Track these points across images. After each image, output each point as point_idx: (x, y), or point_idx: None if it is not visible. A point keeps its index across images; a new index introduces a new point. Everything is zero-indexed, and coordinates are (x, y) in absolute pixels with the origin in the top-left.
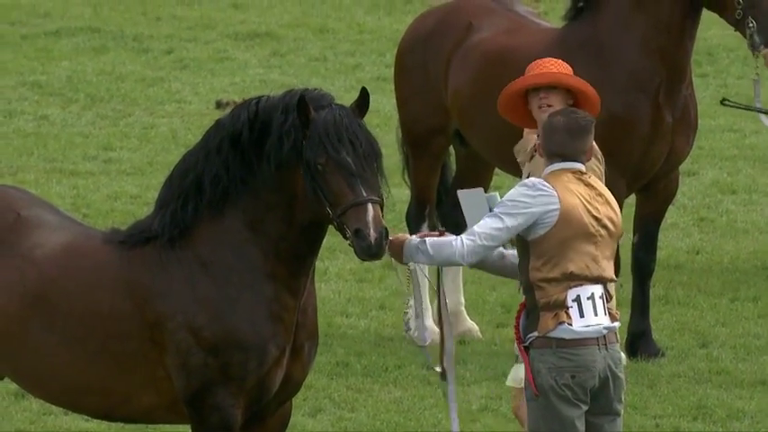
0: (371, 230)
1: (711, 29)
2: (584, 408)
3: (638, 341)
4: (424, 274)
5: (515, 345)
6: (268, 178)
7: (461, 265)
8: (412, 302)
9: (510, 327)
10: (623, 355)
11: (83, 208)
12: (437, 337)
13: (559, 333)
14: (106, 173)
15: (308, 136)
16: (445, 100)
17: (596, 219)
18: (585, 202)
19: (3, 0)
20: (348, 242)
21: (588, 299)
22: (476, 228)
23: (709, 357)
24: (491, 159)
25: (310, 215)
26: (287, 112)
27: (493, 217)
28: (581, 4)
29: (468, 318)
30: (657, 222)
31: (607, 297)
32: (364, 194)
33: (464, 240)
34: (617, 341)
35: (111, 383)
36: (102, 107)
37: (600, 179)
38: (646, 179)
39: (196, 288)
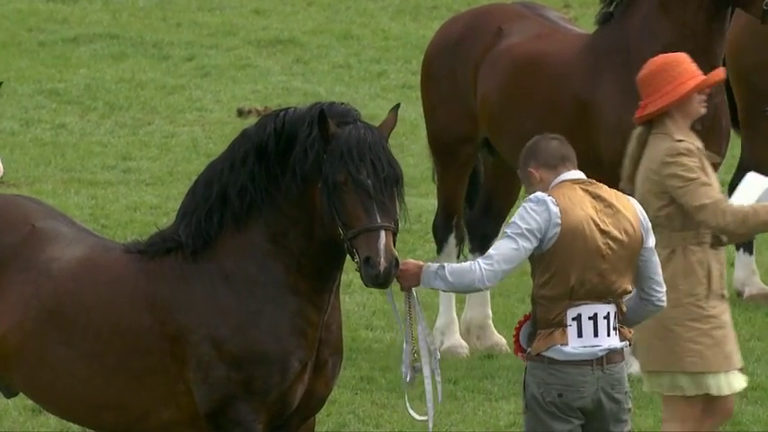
0: (382, 259)
1: None
2: (578, 422)
3: None
4: (417, 301)
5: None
6: (291, 192)
7: (481, 290)
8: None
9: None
10: (634, 368)
11: (101, 219)
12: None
13: (551, 353)
14: (125, 183)
15: (329, 151)
16: (473, 107)
17: (604, 232)
18: (592, 216)
19: (19, 6)
20: (356, 267)
21: (590, 318)
22: (492, 251)
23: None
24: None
25: (329, 232)
26: (312, 124)
27: (507, 238)
28: (611, 9)
29: (495, 331)
30: None
31: (618, 315)
32: (379, 220)
33: (482, 265)
34: (621, 361)
35: (130, 399)
36: (122, 115)
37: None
38: None
39: (219, 300)
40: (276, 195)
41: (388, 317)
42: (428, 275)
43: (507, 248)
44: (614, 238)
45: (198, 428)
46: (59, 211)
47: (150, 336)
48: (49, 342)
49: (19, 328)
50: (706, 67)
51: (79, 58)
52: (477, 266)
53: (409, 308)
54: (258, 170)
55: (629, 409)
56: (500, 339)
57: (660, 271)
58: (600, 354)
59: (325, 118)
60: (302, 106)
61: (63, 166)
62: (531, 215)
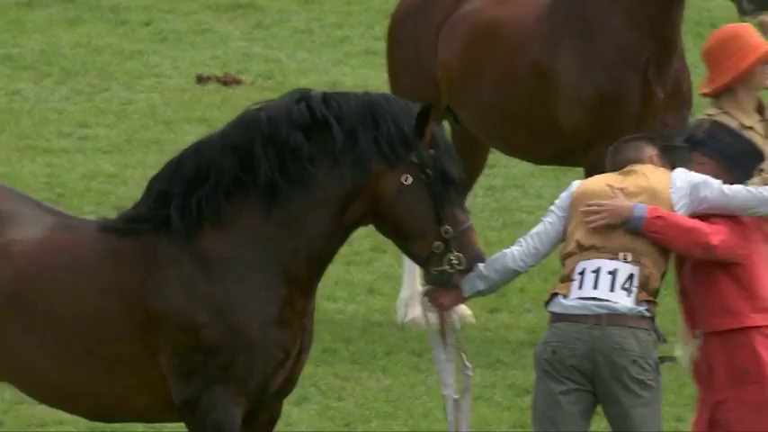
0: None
1: None
2: (575, 386)
3: None
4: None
5: None
6: (336, 178)
7: (519, 272)
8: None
9: (504, 312)
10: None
11: (57, 187)
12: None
13: (552, 307)
14: (82, 150)
15: (440, 149)
16: (435, 74)
17: (619, 189)
18: (608, 186)
19: None
20: (451, 260)
21: (593, 272)
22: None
23: None
24: (479, 136)
25: (354, 218)
26: (410, 116)
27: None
28: None
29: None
30: None
31: (638, 278)
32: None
33: (515, 246)
34: (629, 326)
35: (101, 388)
36: (78, 81)
37: None
38: None
39: (196, 286)
40: (308, 179)
41: (350, 287)
42: (472, 282)
43: (536, 227)
44: (629, 194)
45: (175, 411)
46: (23, 193)
47: (120, 323)
48: (11, 329)
49: None
50: (666, 34)
51: (34, 22)
52: (510, 250)
53: (448, 327)
54: (274, 158)
55: (648, 384)
56: (465, 311)
57: None
58: (598, 310)
59: (429, 115)
60: (327, 90)
61: (17, 133)
62: (561, 196)
